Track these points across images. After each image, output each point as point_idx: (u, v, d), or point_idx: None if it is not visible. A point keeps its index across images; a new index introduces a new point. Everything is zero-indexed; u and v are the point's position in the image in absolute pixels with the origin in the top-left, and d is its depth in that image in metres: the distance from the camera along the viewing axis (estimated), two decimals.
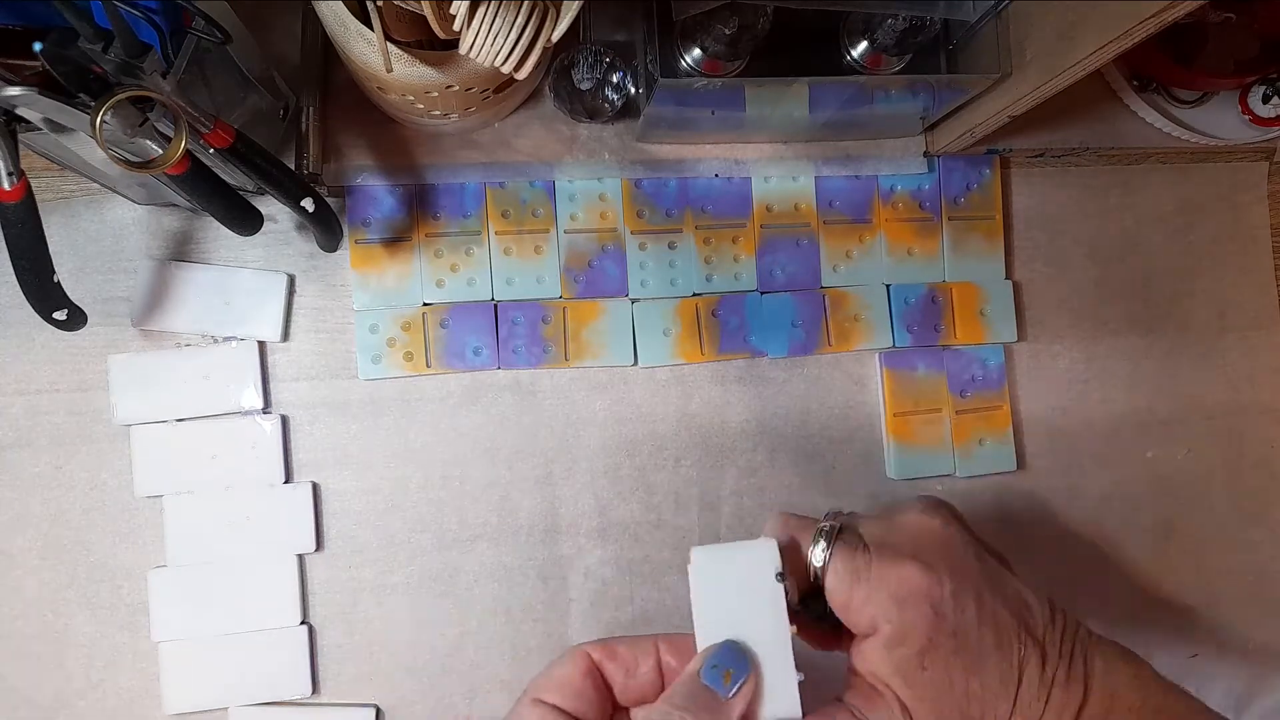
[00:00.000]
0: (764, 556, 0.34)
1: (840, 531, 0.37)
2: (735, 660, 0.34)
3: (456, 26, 0.38)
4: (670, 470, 0.55)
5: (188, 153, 0.38)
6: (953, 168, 0.59)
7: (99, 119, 0.34)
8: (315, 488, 0.52)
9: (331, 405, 0.53)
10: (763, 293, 0.56)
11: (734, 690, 0.33)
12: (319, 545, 0.52)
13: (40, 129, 0.37)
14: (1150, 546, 0.61)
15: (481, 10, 0.37)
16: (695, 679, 0.33)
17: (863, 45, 0.48)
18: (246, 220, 0.46)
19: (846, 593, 0.35)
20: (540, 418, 0.54)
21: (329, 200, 0.49)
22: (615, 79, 0.52)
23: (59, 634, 0.50)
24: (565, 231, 0.54)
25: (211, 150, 0.40)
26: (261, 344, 0.52)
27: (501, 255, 0.54)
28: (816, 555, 0.36)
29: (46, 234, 0.41)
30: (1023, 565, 0.58)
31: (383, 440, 0.53)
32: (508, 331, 0.54)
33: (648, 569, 0.55)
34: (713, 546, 0.36)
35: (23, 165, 0.38)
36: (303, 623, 0.51)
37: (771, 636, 0.34)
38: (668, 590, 0.55)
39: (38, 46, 0.32)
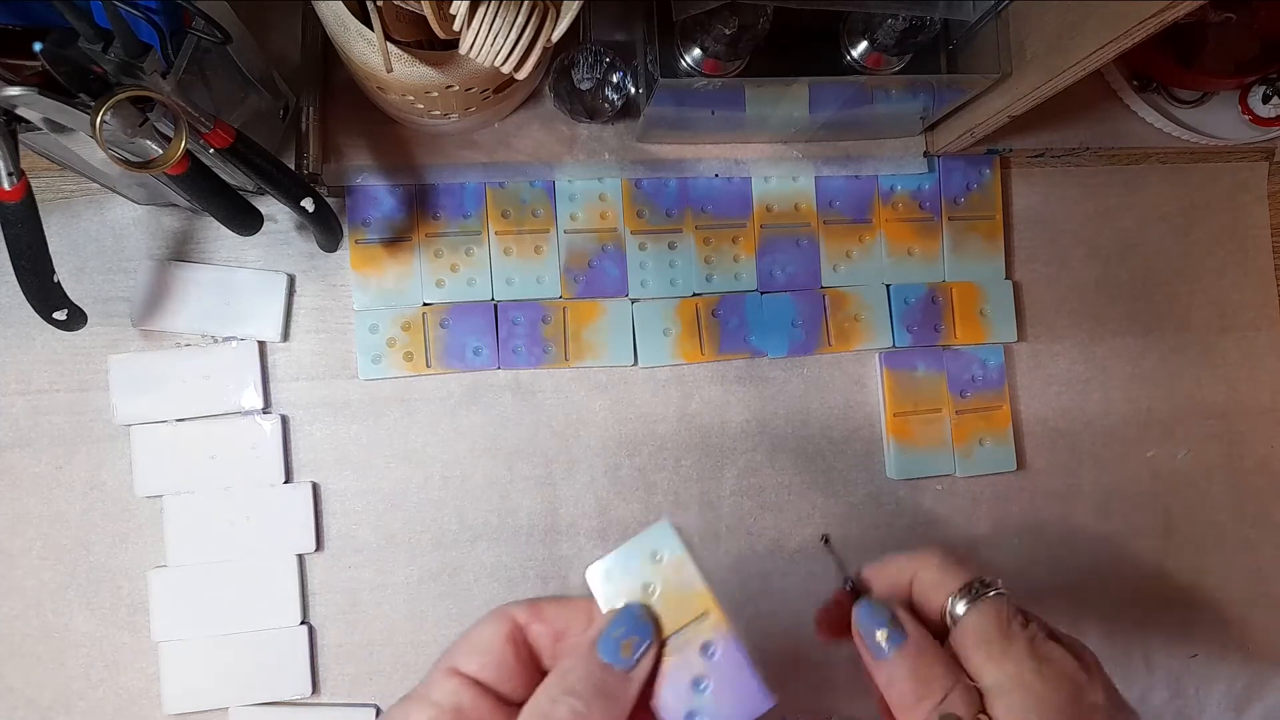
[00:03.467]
0: (663, 534, 0.31)
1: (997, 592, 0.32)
2: (637, 626, 0.29)
3: (456, 26, 0.38)
4: (670, 470, 0.55)
5: (188, 153, 0.38)
6: (953, 168, 0.59)
7: (99, 119, 0.34)
8: (315, 488, 0.52)
9: (331, 405, 0.53)
10: (763, 293, 0.56)
11: (634, 661, 0.29)
12: (319, 545, 0.52)
13: (40, 129, 0.37)
14: (1150, 546, 0.61)
15: (481, 10, 0.37)
16: (590, 653, 0.29)
17: (863, 45, 0.48)
18: (246, 220, 0.46)
19: (984, 639, 0.30)
20: (540, 418, 0.54)
21: (329, 200, 0.49)
22: (615, 79, 0.52)
23: (59, 634, 0.50)
24: (565, 231, 0.54)
25: (211, 150, 0.40)
26: (261, 344, 0.52)
27: (501, 255, 0.54)
28: (979, 595, 0.31)
29: (46, 234, 0.41)
30: (1023, 565, 0.59)
31: (383, 440, 0.53)
32: (508, 331, 0.54)
33: None
34: (606, 556, 0.31)
35: (23, 165, 0.38)
36: (303, 623, 0.51)
37: (693, 614, 0.30)
38: None
39: (38, 46, 0.32)
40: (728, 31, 0.44)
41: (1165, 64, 0.57)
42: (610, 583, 0.30)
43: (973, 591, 0.31)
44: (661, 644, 0.30)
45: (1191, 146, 0.61)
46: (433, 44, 0.42)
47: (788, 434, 0.57)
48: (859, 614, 0.32)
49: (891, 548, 0.56)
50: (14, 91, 0.34)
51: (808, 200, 0.57)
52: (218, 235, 0.52)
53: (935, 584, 0.33)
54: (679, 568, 0.30)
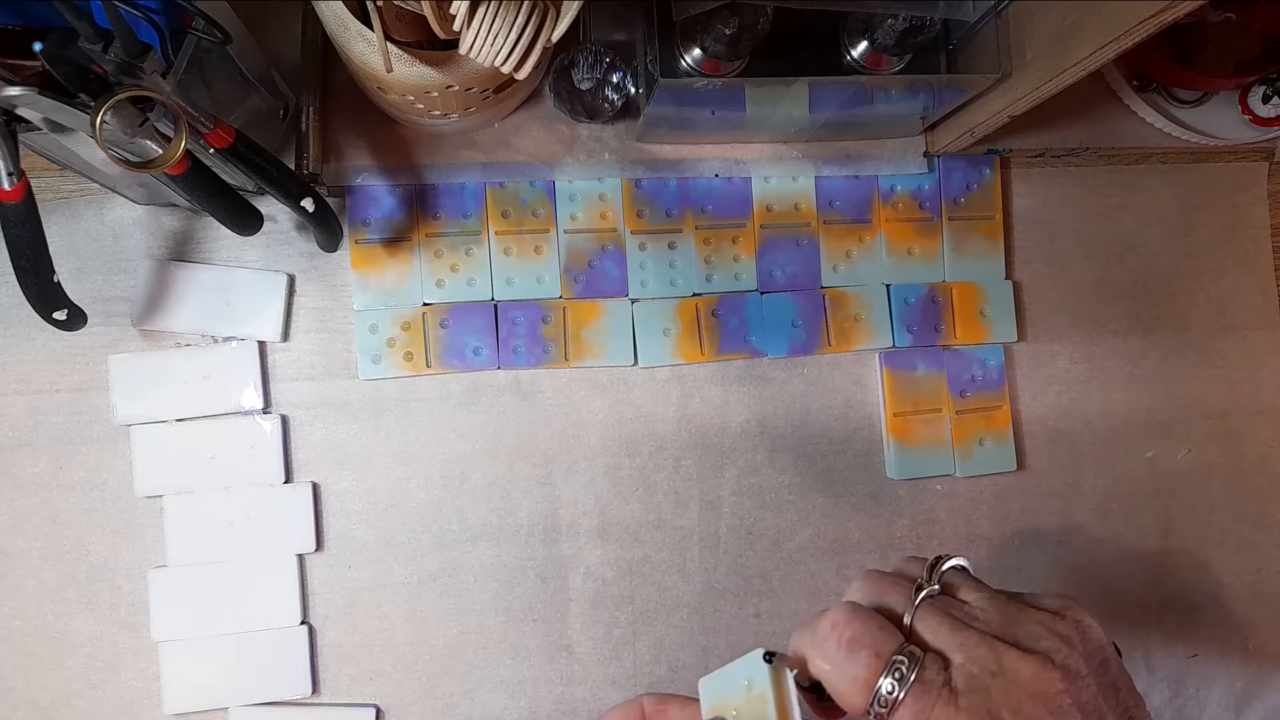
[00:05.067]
0: (756, 665, 0.32)
1: (923, 662, 0.29)
2: None
3: (456, 26, 0.38)
4: (670, 470, 0.55)
5: (188, 153, 0.38)
6: (953, 168, 0.59)
7: (99, 119, 0.34)
8: (315, 488, 0.52)
9: (331, 405, 0.53)
10: (763, 293, 0.56)
11: None
12: (319, 545, 0.52)
13: (40, 129, 0.37)
14: (1150, 546, 0.61)
15: (481, 10, 0.37)
16: None
17: (863, 45, 0.48)
18: (246, 220, 0.46)
19: None
20: (540, 418, 0.54)
21: (329, 200, 0.49)
22: (615, 79, 0.52)
23: (59, 634, 0.50)
24: (565, 231, 0.54)
25: (211, 150, 0.40)
26: (261, 344, 0.52)
27: (501, 255, 0.54)
28: (886, 684, 0.29)
29: (46, 234, 0.41)
30: (1023, 565, 0.59)
31: (383, 440, 0.53)
32: (508, 331, 0.54)
33: (648, 569, 0.55)
34: (713, 673, 0.34)
35: (23, 165, 0.38)
36: (303, 623, 0.51)
37: None
38: (668, 590, 0.55)
39: (38, 46, 0.32)
40: (728, 31, 0.44)
41: (1165, 64, 0.57)
42: (710, 695, 0.33)
43: (894, 670, 0.29)
44: None
45: (1191, 146, 0.61)
46: (433, 44, 0.42)
47: (788, 434, 0.57)
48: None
49: (892, 548, 0.57)
50: (14, 91, 0.34)
51: (808, 200, 0.57)
52: (218, 235, 0.52)
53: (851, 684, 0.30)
54: (761, 701, 0.31)
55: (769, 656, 0.31)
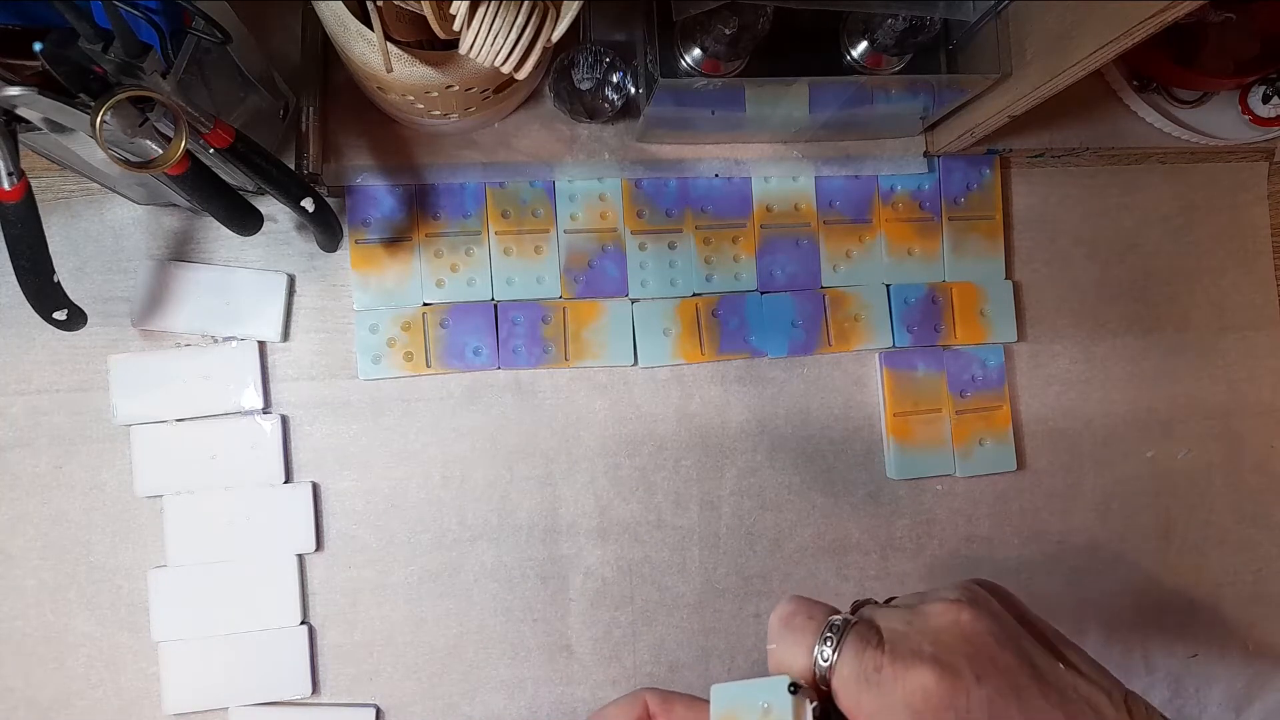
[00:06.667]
0: (778, 689, 0.32)
1: (853, 625, 0.32)
2: None
3: (456, 26, 0.38)
4: (670, 470, 0.55)
5: (188, 153, 0.38)
6: (953, 168, 0.59)
7: (99, 119, 0.34)
8: (315, 488, 0.52)
9: (331, 405, 0.53)
10: (763, 293, 0.56)
11: None
12: (319, 545, 0.52)
13: (40, 129, 0.37)
14: (1150, 546, 0.61)
15: (481, 10, 0.37)
16: None
17: (863, 45, 0.48)
18: (246, 220, 0.46)
19: (854, 698, 0.31)
20: (540, 418, 0.54)
21: (329, 200, 0.49)
22: (615, 79, 0.52)
23: (59, 634, 0.50)
24: (565, 231, 0.54)
25: (211, 150, 0.40)
26: (261, 344, 0.52)
27: (501, 255, 0.54)
28: (823, 653, 0.31)
29: (46, 234, 0.41)
30: (1023, 565, 0.59)
31: (383, 440, 0.53)
32: (508, 331, 0.54)
33: (648, 569, 0.55)
34: (734, 682, 0.34)
35: (23, 165, 0.38)
36: (303, 623, 0.51)
37: None
38: (668, 590, 0.55)
39: (38, 46, 0.32)
40: (728, 31, 0.44)
41: (1165, 64, 0.57)
42: (723, 706, 0.32)
43: (826, 641, 0.32)
44: None
45: (1191, 146, 0.61)
46: (433, 44, 0.42)
47: (788, 434, 0.57)
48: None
49: (892, 548, 0.57)
50: (14, 91, 0.34)
51: (808, 200, 0.57)
52: (218, 235, 0.52)
53: (793, 653, 0.33)
54: None
55: (794, 687, 0.31)
